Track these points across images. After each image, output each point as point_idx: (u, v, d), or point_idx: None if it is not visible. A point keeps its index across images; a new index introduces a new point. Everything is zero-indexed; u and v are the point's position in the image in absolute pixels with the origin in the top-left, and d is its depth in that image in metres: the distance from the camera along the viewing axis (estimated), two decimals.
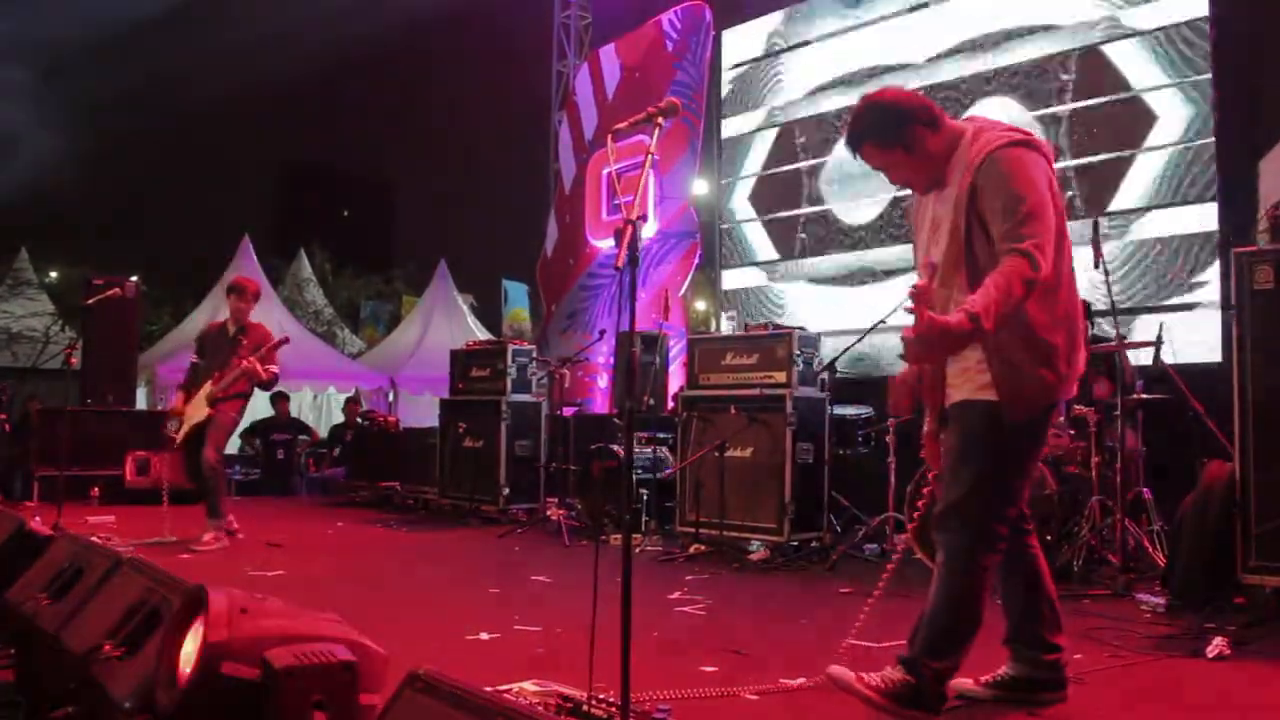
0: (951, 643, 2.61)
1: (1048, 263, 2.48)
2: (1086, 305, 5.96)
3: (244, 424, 12.22)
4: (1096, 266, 5.01)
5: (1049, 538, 5.25)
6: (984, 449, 2.61)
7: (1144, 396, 5.37)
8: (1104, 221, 6.95)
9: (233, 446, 11.21)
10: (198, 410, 6.29)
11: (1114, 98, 7.53)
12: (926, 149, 2.68)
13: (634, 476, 6.55)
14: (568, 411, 8.66)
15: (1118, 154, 7.46)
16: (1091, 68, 7.72)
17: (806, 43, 10.05)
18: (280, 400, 11.97)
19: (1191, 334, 6.77)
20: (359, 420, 10.83)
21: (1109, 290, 4.99)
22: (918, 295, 2.39)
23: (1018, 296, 2.43)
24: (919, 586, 2.93)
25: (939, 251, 2.70)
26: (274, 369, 6.34)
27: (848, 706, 2.58)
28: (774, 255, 10.20)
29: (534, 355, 8.34)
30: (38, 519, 3.69)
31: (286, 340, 6.67)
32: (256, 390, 6.62)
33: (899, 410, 2.91)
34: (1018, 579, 2.81)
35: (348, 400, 12.66)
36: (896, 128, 2.67)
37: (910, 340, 2.44)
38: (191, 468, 6.41)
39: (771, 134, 10.33)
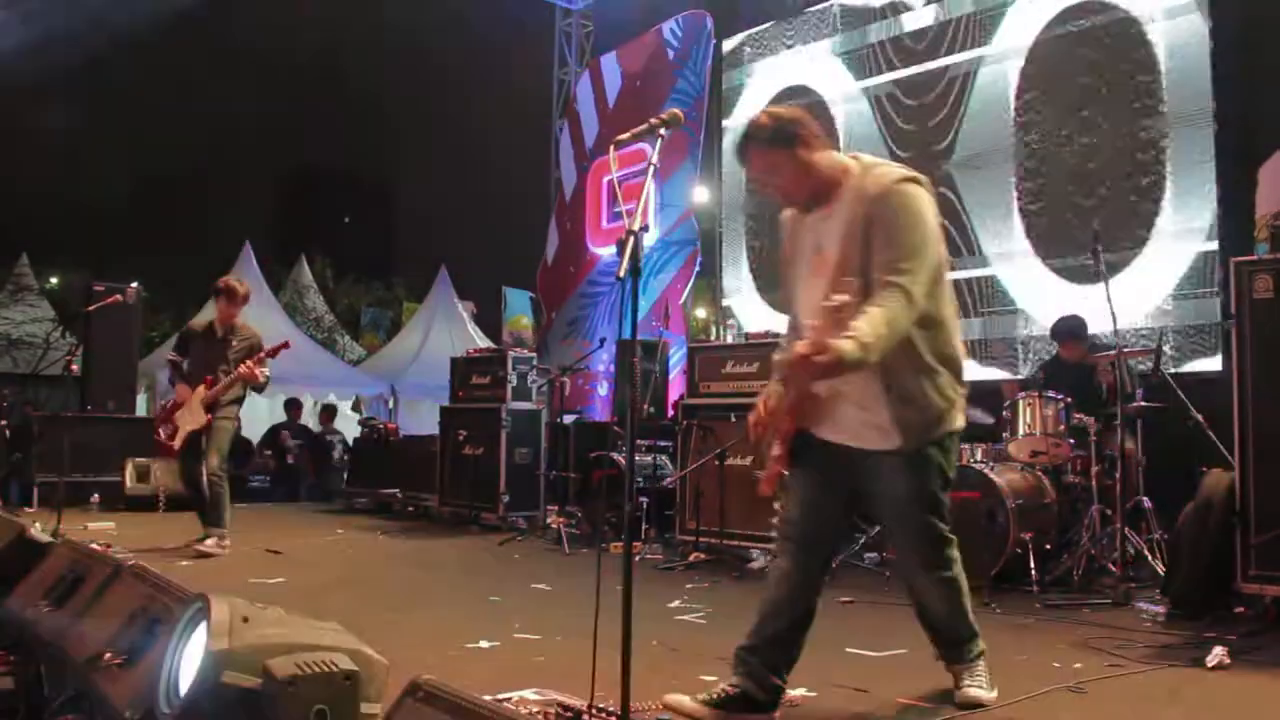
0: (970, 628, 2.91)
1: (921, 300, 2.58)
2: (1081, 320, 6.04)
3: (258, 432, 12.35)
4: (1096, 277, 5.02)
5: (1048, 546, 5.26)
6: (923, 498, 2.76)
7: (1144, 405, 5.37)
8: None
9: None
10: (193, 417, 6.16)
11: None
12: (812, 156, 2.74)
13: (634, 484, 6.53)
14: (568, 419, 8.67)
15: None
16: None
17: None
18: (294, 407, 12.03)
19: (1191, 342, 6.78)
20: (362, 427, 10.84)
21: (1109, 300, 4.98)
22: (840, 310, 2.46)
23: (900, 334, 2.54)
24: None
25: (825, 275, 2.71)
26: (266, 371, 6.19)
27: (849, 715, 2.58)
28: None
29: (534, 363, 8.33)
30: (37, 525, 3.67)
31: (286, 345, 6.55)
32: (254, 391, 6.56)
33: (783, 434, 2.77)
34: (799, 607, 2.82)
35: (324, 408, 12.79)
36: (785, 130, 2.74)
37: (800, 359, 2.44)
38: (188, 475, 6.27)
39: None
